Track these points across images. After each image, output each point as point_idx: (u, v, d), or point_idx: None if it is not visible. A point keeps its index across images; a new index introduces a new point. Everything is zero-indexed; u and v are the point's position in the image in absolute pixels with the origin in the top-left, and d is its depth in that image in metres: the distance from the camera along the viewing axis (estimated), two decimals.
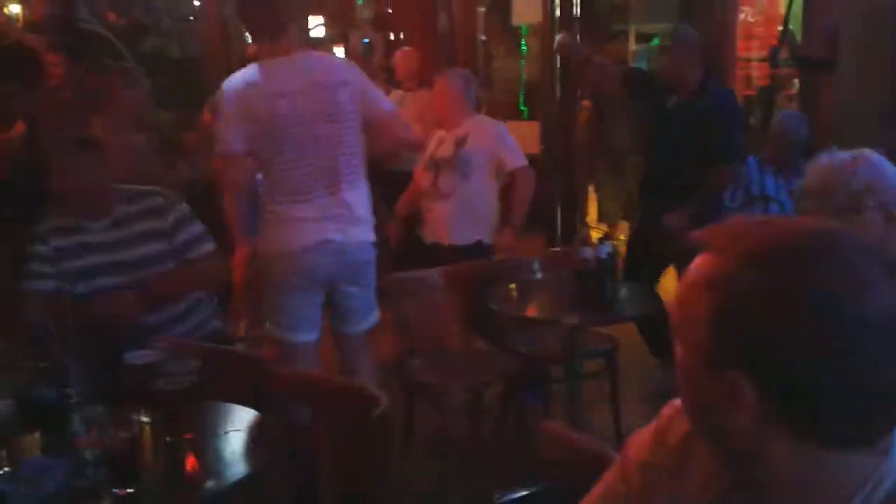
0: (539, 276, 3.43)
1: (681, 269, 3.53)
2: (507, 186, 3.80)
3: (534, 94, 6.71)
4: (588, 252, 2.92)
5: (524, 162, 3.77)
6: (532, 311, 3.16)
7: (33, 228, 2.64)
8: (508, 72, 6.79)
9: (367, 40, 9.76)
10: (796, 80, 6.06)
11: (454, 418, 3.09)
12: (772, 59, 6.16)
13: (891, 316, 0.75)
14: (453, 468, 3.00)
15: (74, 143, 2.59)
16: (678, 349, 0.88)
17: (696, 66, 3.85)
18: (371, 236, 2.97)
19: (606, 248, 2.91)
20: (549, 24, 5.41)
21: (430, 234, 3.84)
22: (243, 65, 5.54)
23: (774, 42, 6.12)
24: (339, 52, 10.80)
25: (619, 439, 3.12)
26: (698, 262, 0.85)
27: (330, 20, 10.92)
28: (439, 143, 3.84)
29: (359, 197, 2.92)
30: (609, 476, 1.11)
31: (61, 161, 2.56)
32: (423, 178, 3.87)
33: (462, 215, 3.72)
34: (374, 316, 3.07)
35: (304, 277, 2.83)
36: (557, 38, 4.09)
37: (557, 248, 3.74)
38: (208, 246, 2.73)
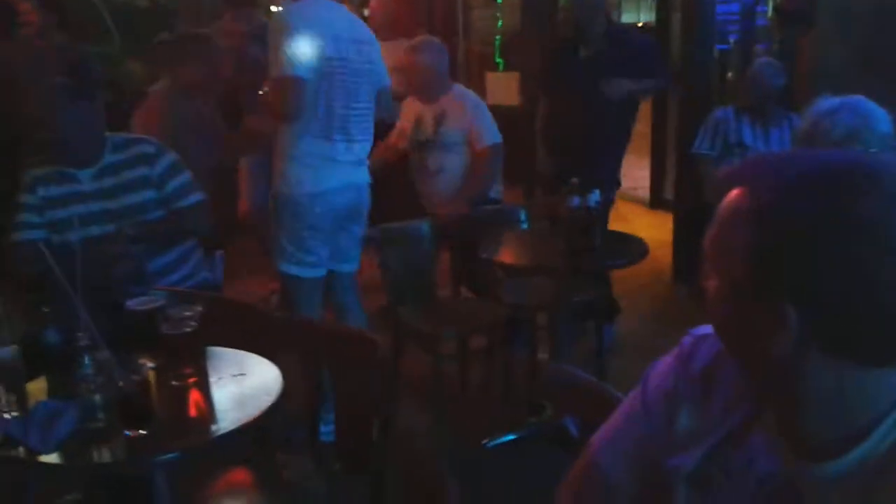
0: (525, 225, 3.47)
1: None
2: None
3: (510, 44, 6.67)
4: (577, 200, 2.94)
5: (494, 140, 3.74)
6: (520, 260, 3.19)
7: (18, 177, 2.60)
8: (485, 21, 6.74)
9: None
10: (773, 34, 6.12)
11: (444, 364, 3.14)
12: (748, 13, 6.21)
13: None
14: (443, 413, 3.05)
15: (66, 90, 2.53)
16: (713, 282, 0.90)
17: (600, 18, 3.85)
18: (369, 178, 3.12)
19: (595, 197, 2.93)
20: None
21: (429, 206, 3.84)
22: (215, 14, 5.50)
23: None
24: None
25: None
26: (733, 197, 0.87)
27: None
28: (419, 122, 3.83)
29: (367, 142, 3.08)
30: (628, 405, 1.13)
31: (53, 109, 2.51)
32: (411, 156, 3.92)
33: (453, 189, 3.75)
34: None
35: (331, 217, 2.95)
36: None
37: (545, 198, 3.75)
38: (197, 195, 2.74)
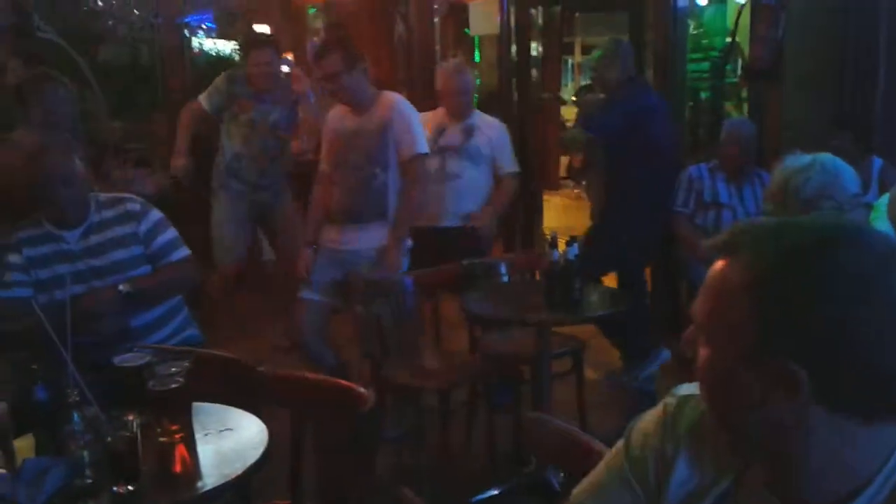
0: (506, 278, 3.52)
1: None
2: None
3: (488, 102, 6.81)
4: (556, 254, 2.99)
5: (516, 168, 4.13)
6: (501, 313, 3.23)
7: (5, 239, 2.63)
8: (459, 60, 6.88)
9: (315, 41, 9.74)
10: (743, 91, 6.32)
11: (427, 418, 3.15)
12: (718, 71, 6.42)
13: None
14: (427, 467, 3.05)
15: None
16: (706, 352, 0.93)
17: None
18: None
19: (574, 250, 2.99)
20: (505, 35, 5.51)
21: (425, 219, 3.91)
22: (199, 74, 5.60)
23: (720, 54, 6.38)
24: (289, 57, 10.84)
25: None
26: (725, 269, 0.90)
27: (277, 27, 10.92)
28: (440, 132, 4.05)
29: None
30: (611, 461, 1.13)
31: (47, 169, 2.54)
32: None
33: (465, 197, 4.02)
34: None
35: None
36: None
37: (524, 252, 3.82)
38: (183, 251, 2.78)
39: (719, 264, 0.91)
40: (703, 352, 0.94)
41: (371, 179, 3.48)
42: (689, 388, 1.05)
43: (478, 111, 4.23)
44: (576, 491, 1.16)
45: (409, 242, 3.56)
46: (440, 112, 4.14)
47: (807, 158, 2.23)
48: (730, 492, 0.99)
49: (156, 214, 2.76)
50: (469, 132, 4.04)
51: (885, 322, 0.82)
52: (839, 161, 2.24)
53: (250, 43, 4.57)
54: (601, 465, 1.16)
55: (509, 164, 4.10)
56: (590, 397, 3.57)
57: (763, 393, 0.86)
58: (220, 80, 4.46)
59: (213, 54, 9.02)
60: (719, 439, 1.00)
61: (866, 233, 0.88)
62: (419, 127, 3.56)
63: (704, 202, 4.28)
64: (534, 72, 6.60)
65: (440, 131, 4.06)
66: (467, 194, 4.03)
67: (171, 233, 2.77)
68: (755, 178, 4.29)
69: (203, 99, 4.45)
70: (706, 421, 1.01)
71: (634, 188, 4.10)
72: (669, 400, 1.10)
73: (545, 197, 6.96)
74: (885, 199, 2.47)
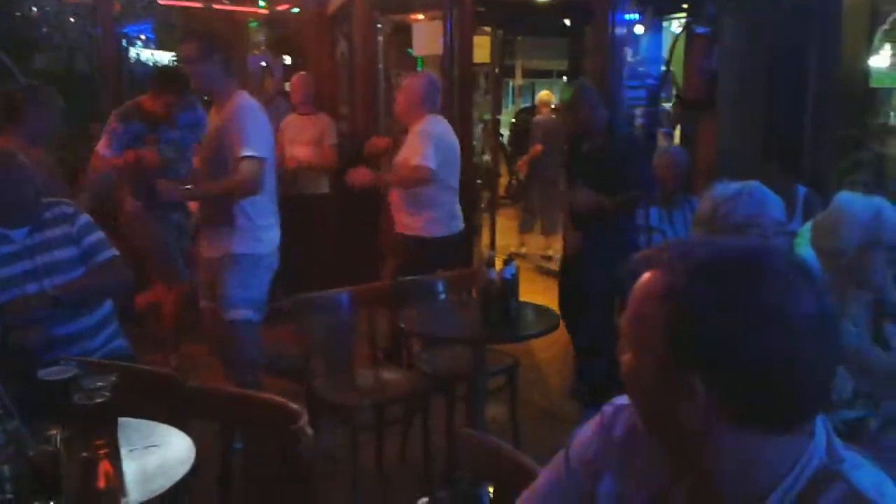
0: (443, 296, 3.55)
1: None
2: None
3: None
4: (493, 273, 3.03)
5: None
6: (438, 330, 3.24)
7: None
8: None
9: (264, 63, 9.69)
10: (667, 117, 6.52)
11: (360, 435, 3.13)
12: (653, 99, 6.60)
13: (817, 315, 0.88)
14: (360, 484, 3.03)
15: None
16: (629, 357, 0.97)
17: (599, 116, 4.12)
18: None
19: (511, 270, 3.03)
20: (447, 56, 5.57)
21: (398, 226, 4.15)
22: (134, 85, 5.51)
23: (655, 81, 6.57)
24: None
25: None
26: (648, 279, 0.95)
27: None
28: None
29: None
30: (552, 472, 1.17)
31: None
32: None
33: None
34: None
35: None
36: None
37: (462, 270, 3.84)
38: (111, 251, 2.83)
39: (644, 275, 0.95)
40: (625, 359, 0.97)
41: (213, 181, 3.42)
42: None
43: (434, 117, 4.19)
44: (519, 500, 1.19)
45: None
46: None
47: (735, 186, 2.31)
48: (654, 499, 1.03)
49: (84, 217, 2.82)
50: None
51: (789, 343, 0.87)
52: (766, 189, 2.32)
53: (160, 80, 4.44)
54: (543, 473, 1.20)
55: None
56: (523, 414, 3.61)
57: (670, 399, 0.90)
58: (114, 123, 4.26)
59: (151, 64, 8.90)
60: (649, 449, 1.03)
61: (782, 257, 0.92)
62: (257, 130, 3.35)
63: (636, 226, 4.38)
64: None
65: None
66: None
67: (99, 234, 2.83)
68: (685, 205, 4.41)
69: (103, 148, 4.22)
70: (639, 430, 1.04)
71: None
72: (607, 408, 1.13)
73: (485, 216, 7.05)
74: (808, 226, 2.57)
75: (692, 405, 0.89)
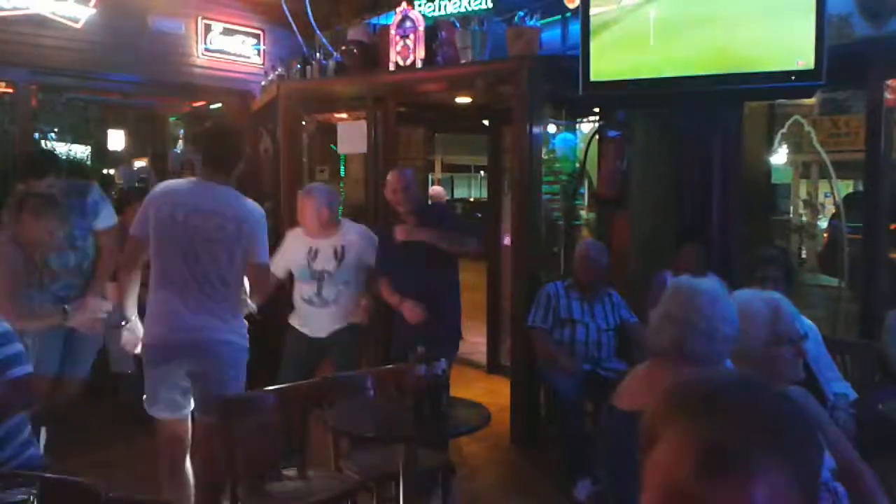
0: (372, 393, 3.52)
1: None
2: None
3: (353, 215, 6.94)
4: (423, 369, 3.04)
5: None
6: (367, 429, 3.20)
7: None
8: (318, 182, 7.03)
9: (178, 150, 9.66)
10: (583, 212, 6.78)
11: None
12: (568, 195, 6.86)
13: None
14: None
15: None
16: None
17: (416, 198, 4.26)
18: None
19: (441, 366, 3.05)
20: (372, 154, 5.70)
21: (312, 331, 4.32)
22: None
23: (569, 178, 6.85)
24: (140, 164, 10.67)
25: None
26: None
27: (134, 133, 10.78)
28: (314, 255, 4.26)
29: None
30: None
31: None
32: (302, 287, 4.31)
33: (343, 315, 4.29)
34: None
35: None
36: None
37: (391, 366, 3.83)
38: (27, 367, 2.68)
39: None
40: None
41: None
42: None
43: (345, 223, 4.45)
44: None
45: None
46: (304, 231, 4.35)
47: (701, 285, 2.20)
48: None
49: (2, 325, 2.67)
50: (339, 255, 4.28)
51: None
52: (723, 295, 2.19)
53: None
54: None
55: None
56: None
57: None
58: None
59: (64, 157, 8.77)
60: None
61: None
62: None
63: (561, 318, 4.50)
64: None
65: (312, 254, 4.27)
66: (344, 314, 4.30)
67: (17, 346, 2.67)
68: (605, 297, 4.57)
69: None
70: None
71: None
72: None
73: None
74: None
75: None
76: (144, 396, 3.31)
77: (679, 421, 0.87)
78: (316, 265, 4.26)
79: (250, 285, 3.42)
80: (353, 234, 4.35)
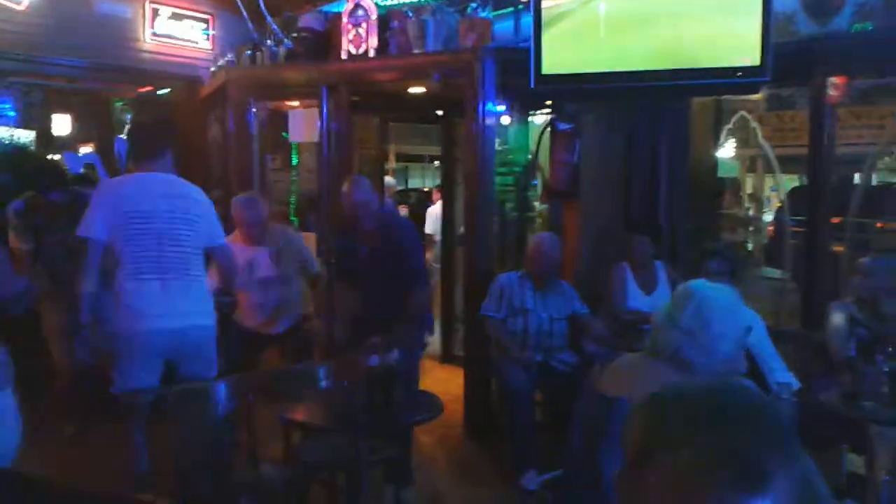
0: (324, 383, 3.51)
1: None
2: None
3: (305, 206, 6.89)
4: (375, 359, 3.04)
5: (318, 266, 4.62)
6: (319, 418, 3.19)
7: None
8: (282, 183, 6.98)
9: (123, 136, 9.43)
10: (536, 204, 6.84)
11: None
12: (520, 186, 6.91)
13: None
14: None
15: None
16: None
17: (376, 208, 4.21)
18: None
19: (395, 355, 3.05)
20: (324, 142, 5.65)
21: (259, 327, 4.44)
22: None
23: (522, 169, 6.90)
24: (86, 150, 10.42)
25: None
26: None
27: (79, 118, 10.50)
28: (252, 265, 4.31)
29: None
30: None
31: None
32: (251, 296, 4.37)
33: (287, 312, 4.46)
34: None
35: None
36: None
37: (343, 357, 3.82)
38: None
39: None
40: None
41: None
42: None
43: (275, 227, 4.55)
44: None
45: None
46: (239, 240, 4.36)
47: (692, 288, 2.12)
48: None
49: None
50: (276, 259, 4.38)
51: None
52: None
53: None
54: None
55: (315, 264, 4.59)
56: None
57: None
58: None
59: (6, 142, 8.51)
60: None
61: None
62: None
63: (514, 308, 4.53)
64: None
65: (250, 263, 4.31)
66: (288, 311, 4.48)
67: None
68: (557, 287, 4.62)
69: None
70: None
71: None
72: None
73: None
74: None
75: None
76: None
77: (690, 436, 0.89)
78: (256, 275, 4.35)
79: (219, 270, 3.68)
80: (281, 238, 4.48)
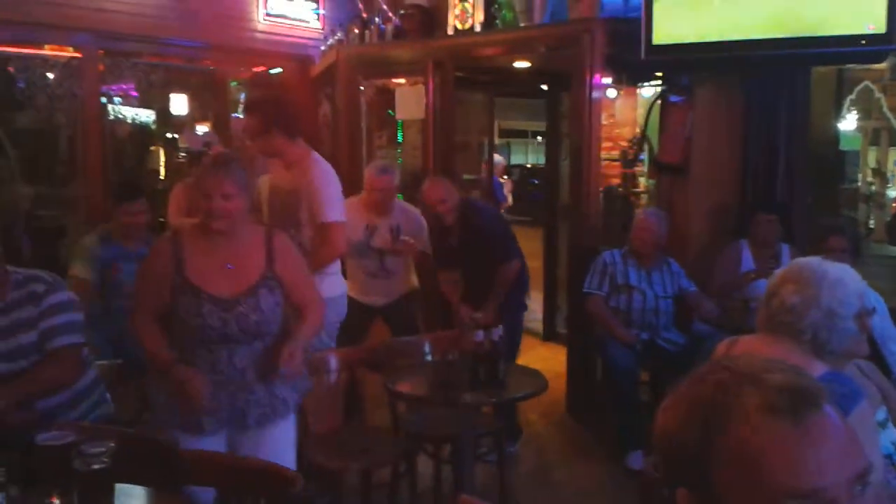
0: (430, 357, 3.57)
1: None
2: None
3: (409, 181, 6.98)
4: (481, 335, 3.07)
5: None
6: (424, 392, 3.26)
7: None
8: (388, 160, 7.07)
9: (238, 114, 9.76)
10: (642, 179, 6.68)
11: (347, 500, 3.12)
12: (626, 160, 6.77)
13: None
14: None
15: None
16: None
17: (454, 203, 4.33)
18: None
19: (498, 332, 3.08)
20: (431, 120, 5.70)
21: (371, 300, 4.48)
22: (117, 142, 5.51)
23: (626, 144, 6.75)
24: (203, 129, 10.84)
25: None
26: None
27: (195, 97, 10.94)
28: (371, 232, 4.40)
29: None
30: None
31: None
32: (364, 263, 4.47)
33: (400, 283, 4.55)
34: None
35: None
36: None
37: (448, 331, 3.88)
38: (73, 337, 2.60)
39: None
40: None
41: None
42: None
43: (399, 204, 4.59)
44: None
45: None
46: (362, 205, 4.42)
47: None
48: None
49: (60, 296, 2.59)
50: (396, 232, 4.43)
51: None
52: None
53: (119, 195, 4.23)
54: None
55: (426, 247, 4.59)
56: (516, 476, 3.61)
57: None
58: (91, 241, 4.09)
59: (130, 121, 8.98)
60: None
61: None
62: (338, 195, 3.64)
63: (617, 285, 4.47)
64: None
65: (370, 231, 4.40)
66: (401, 282, 4.57)
67: (67, 317, 2.59)
68: (663, 265, 4.52)
69: (79, 269, 3.98)
70: None
71: None
72: None
73: None
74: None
75: None
76: None
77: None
78: (374, 242, 4.42)
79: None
80: (401, 216, 4.53)
